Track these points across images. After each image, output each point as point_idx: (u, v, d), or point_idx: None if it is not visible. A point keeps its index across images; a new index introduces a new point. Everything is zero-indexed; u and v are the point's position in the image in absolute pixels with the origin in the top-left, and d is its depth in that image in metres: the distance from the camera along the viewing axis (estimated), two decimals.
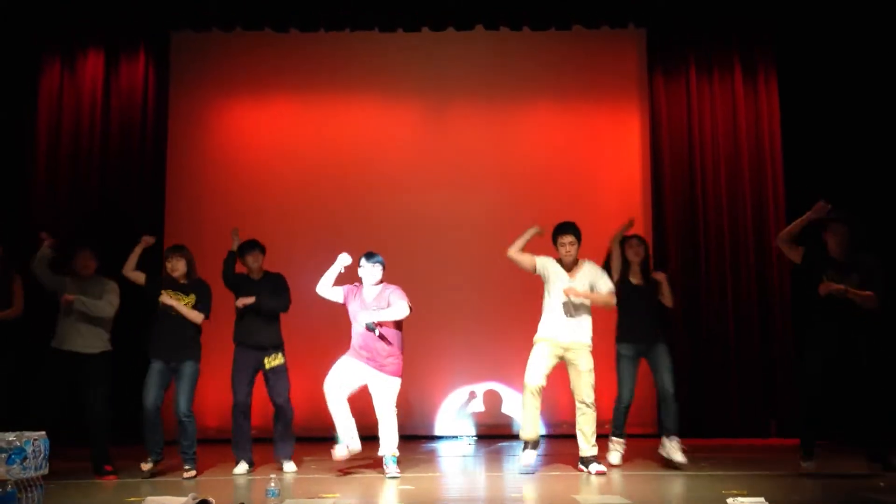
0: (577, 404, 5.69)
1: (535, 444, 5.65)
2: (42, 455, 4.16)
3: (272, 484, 4.52)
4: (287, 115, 8.85)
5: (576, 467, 5.80)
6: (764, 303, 8.30)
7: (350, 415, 5.69)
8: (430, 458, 6.88)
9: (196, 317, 5.80)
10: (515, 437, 8.07)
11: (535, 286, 6.04)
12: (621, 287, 5.93)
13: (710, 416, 7.95)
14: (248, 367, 5.93)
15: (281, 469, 5.91)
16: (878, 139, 7.84)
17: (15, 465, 4.00)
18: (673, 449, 5.76)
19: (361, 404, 5.85)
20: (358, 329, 5.73)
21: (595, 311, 5.86)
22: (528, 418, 5.65)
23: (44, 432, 4.22)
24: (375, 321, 5.63)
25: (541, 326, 5.76)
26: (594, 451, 5.67)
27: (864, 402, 5.39)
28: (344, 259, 5.84)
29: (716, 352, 8.19)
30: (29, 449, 4.07)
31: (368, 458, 5.88)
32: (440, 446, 7.79)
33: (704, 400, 7.94)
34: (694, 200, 8.47)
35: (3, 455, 3.98)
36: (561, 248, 5.78)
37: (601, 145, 8.80)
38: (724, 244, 8.39)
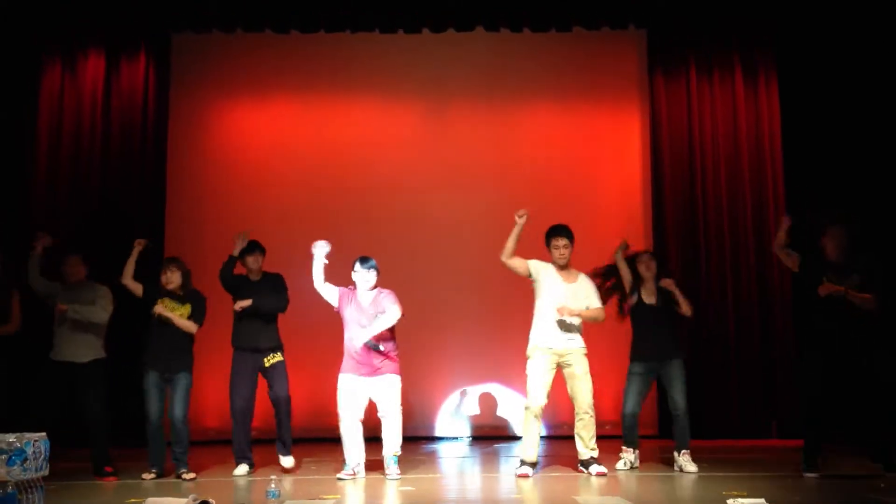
0: (577, 411, 5.65)
1: (533, 465, 5.63)
2: (42, 456, 4.16)
3: (272, 485, 4.52)
4: (287, 116, 8.85)
5: (576, 469, 5.79)
6: (764, 303, 8.30)
7: (362, 442, 5.68)
8: (431, 459, 6.89)
9: (190, 327, 5.80)
10: (512, 438, 8.10)
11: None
12: (635, 307, 5.89)
13: (710, 417, 7.94)
14: (247, 371, 5.91)
15: (279, 463, 5.91)
16: (879, 139, 7.84)
17: (15, 467, 4.00)
18: (686, 462, 5.71)
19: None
20: (352, 334, 5.68)
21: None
22: (530, 441, 5.60)
23: (44, 433, 4.22)
24: (372, 337, 5.59)
25: (534, 333, 5.70)
26: (594, 454, 5.66)
27: (865, 403, 5.38)
28: (319, 248, 5.68)
29: (716, 352, 8.20)
30: (29, 450, 4.07)
31: (368, 460, 5.86)
32: (440, 447, 7.79)
33: (705, 401, 7.92)
34: (694, 201, 8.48)
35: (4, 456, 3.98)
36: (555, 251, 5.72)
37: (601, 146, 8.80)
38: (725, 245, 8.39)
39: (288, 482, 5.52)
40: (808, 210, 5.65)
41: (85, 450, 5.81)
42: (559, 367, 5.67)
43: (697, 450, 5.89)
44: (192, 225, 8.40)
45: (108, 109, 8.45)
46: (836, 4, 8.02)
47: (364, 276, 5.75)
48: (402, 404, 5.75)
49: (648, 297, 5.91)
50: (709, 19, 8.62)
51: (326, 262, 5.73)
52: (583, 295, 5.73)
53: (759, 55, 8.63)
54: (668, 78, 8.67)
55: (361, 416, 5.69)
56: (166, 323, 5.74)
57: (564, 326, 5.64)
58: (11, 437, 4.05)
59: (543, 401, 5.59)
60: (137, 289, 5.90)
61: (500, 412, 8.41)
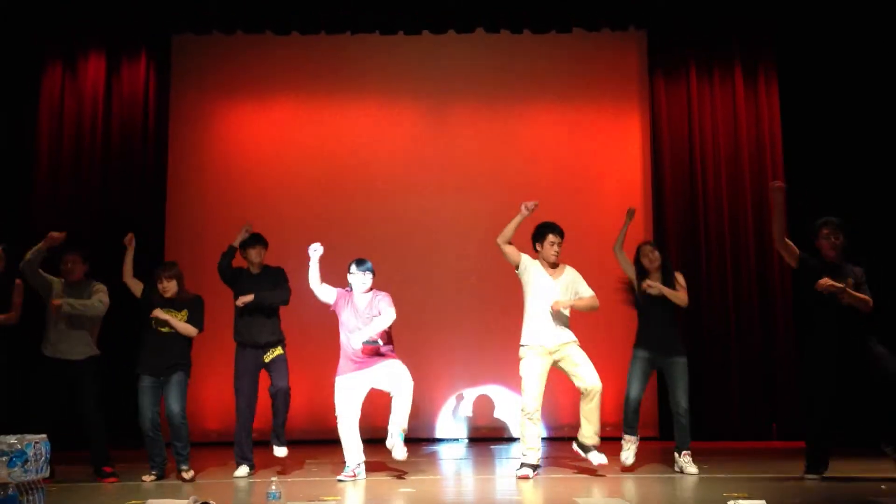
0: (584, 391, 5.55)
1: (534, 467, 5.62)
2: (43, 458, 4.16)
3: (273, 486, 4.51)
4: (287, 118, 8.86)
5: (576, 463, 5.75)
6: (765, 303, 8.31)
7: (360, 443, 5.66)
8: (431, 461, 6.89)
9: (190, 331, 5.77)
10: (512, 439, 8.10)
11: None
12: (640, 297, 5.88)
13: (710, 418, 7.95)
14: (249, 369, 5.91)
15: (277, 459, 5.90)
16: (879, 140, 7.85)
17: (16, 468, 4.00)
18: (686, 464, 5.71)
19: (363, 405, 5.82)
20: (349, 336, 5.67)
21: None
22: (530, 443, 5.58)
23: (45, 435, 4.22)
24: (370, 337, 5.59)
25: (525, 332, 5.70)
26: (596, 441, 5.61)
27: (872, 398, 5.35)
28: (315, 251, 5.67)
29: (716, 353, 8.20)
30: (30, 452, 4.07)
31: (368, 461, 5.86)
32: (440, 449, 7.79)
33: (705, 402, 7.93)
34: (694, 201, 8.49)
35: (5, 458, 3.98)
36: (550, 248, 5.70)
37: (602, 147, 8.81)
38: (725, 245, 8.40)
39: (288, 484, 5.51)
40: (802, 208, 5.61)
41: (85, 451, 5.81)
42: (554, 365, 5.65)
43: (698, 451, 5.89)
44: (192, 226, 8.41)
45: (109, 111, 8.46)
46: (836, 4, 8.03)
47: (360, 279, 5.75)
48: None
49: (653, 289, 5.88)
50: (709, 20, 8.63)
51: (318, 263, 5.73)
52: (571, 286, 5.73)
53: (760, 55, 8.64)
54: (669, 79, 8.68)
55: (358, 416, 5.69)
56: (164, 327, 5.71)
57: (554, 323, 5.63)
58: (12, 439, 4.05)
59: (539, 402, 5.58)
60: (137, 288, 5.90)
61: (500, 414, 8.41)
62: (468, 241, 8.39)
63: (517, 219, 5.69)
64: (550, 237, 5.71)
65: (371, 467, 5.86)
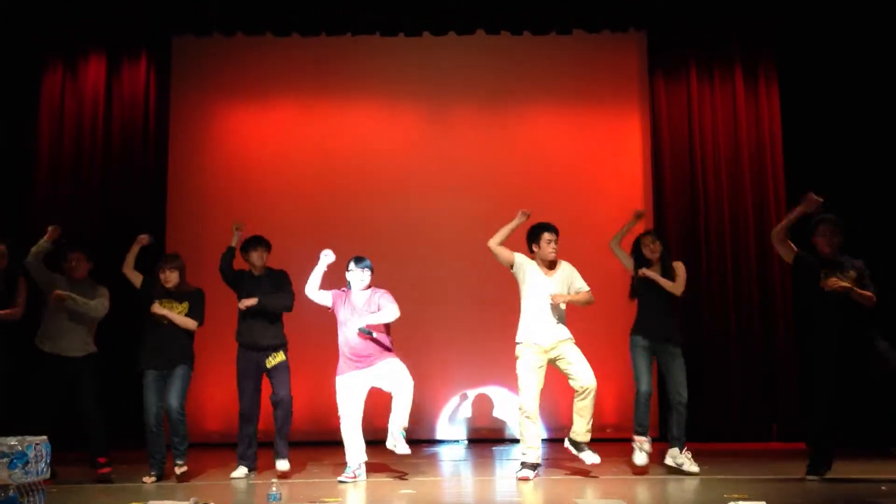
0: (580, 389, 5.53)
1: (534, 467, 5.62)
2: (44, 459, 4.16)
3: (273, 488, 4.52)
4: (288, 119, 8.86)
5: (573, 462, 5.75)
6: (765, 304, 8.31)
7: (363, 443, 5.67)
8: (432, 462, 6.89)
9: (190, 324, 5.79)
10: (512, 440, 8.11)
11: None
12: (641, 283, 5.87)
13: (710, 419, 7.95)
14: (251, 372, 5.90)
15: (274, 466, 5.88)
16: (879, 140, 7.86)
17: (17, 470, 4.01)
18: (688, 461, 5.68)
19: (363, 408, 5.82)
20: (347, 335, 5.69)
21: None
22: (532, 443, 5.58)
23: (45, 437, 4.23)
24: (368, 325, 5.60)
25: (521, 330, 5.70)
26: (588, 438, 5.59)
27: (876, 395, 5.35)
28: (327, 256, 5.74)
29: (716, 353, 8.20)
30: (31, 453, 4.07)
31: (369, 462, 5.86)
32: (440, 450, 7.79)
33: (705, 402, 7.93)
34: (695, 202, 8.49)
35: (5, 460, 3.98)
36: (546, 246, 5.71)
37: (602, 148, 8.81)
38: (725, 246, 8.41)
39: (289, 485, 5.51)
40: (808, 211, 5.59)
41: (85, 452, 5.80)
42: (550, 363, 5.65)
43: (698, 452, 5.88)
44: (192, 227, 8.41)
45: (109, 112, 8.46)
46: (836, 6, 8.04)
47: (359, 276, 5.76)
48: None
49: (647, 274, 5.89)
50: (709, 21, 8.63)
51: (325, 270, 5.75)
52: (567, 282, 5.73)
53: (760, 56, 8.64)
54: (669, 80, 8.68)
55: (360, 415, 5.69)
56: (163, 322, 5.73)
57: (550, 320, 5.63)
58: (13, 441, 4.05)
59: (537, 401, 5.59)
60: (136, 279, 5.90)
61: (500, 414, 8.41)
62: (468, 242, 8.36)
63: (512, 224, 5.72)
64: (546, 235, 5.72)
65: (372, 468, 5.86)
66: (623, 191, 8.71)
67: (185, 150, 8.65)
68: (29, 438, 4.12)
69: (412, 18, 8.53)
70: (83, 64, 8.46)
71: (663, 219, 8.48)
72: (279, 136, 8.79)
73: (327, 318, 5.91)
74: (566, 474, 5.85)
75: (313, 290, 5.75)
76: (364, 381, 5.68)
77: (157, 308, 5.72)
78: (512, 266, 5.78)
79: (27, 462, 4.05)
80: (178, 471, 5.65)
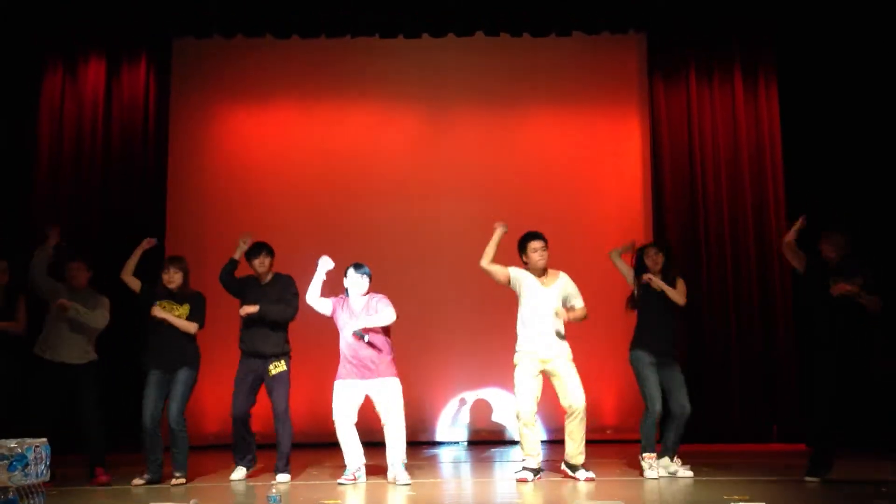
0: (569, 409, 5.54)
1: (535, 471, 5.61)
2: (43, 462, 4.16)
3: (273, 490, 4.51)
4: (287, 121, 8.87)
5: (560, 470, 5.74)
6: (765, 305, 8.31)
7: (360, 445, 5.66)
8: (432, 464, 6.88)
9: (190, 327, 5.78)
10: (511, 442, 8.11)
11: None
12: (644, 294, 5.86)
13: (711, 421, 7.94)
14: (249, 378, 5.86)
15: (274, 479, 5.82)
16: (879, 142, 7.86)
17: (16, 472, 4.00)
18: (681, 466, 5.67)
19: (363, 409, 5.82)
20: (347, 340, 5.69)
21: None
22: (531, 450, 5.57)
23: (45, 439, 4.23)
24: (363, 328, 5.59)
25: (519, 340, 5.69)
26: (582, 460, 5.60)
27: (876, 404, 5.36)
28: (325, 263, 5.73)
29: (717, 355, 8.20)
30: (30, 455, 4.07)
31: (368, 464, 5.85)
32: (440, 452, 7.79)
33: (705, 403, 7.93)
34: (694, 204, 8.49)
35: (5, 462, 3.98)
36: (533, 255, 5.68)
37: (602, 150, 8.82)
38: (725, 246, 8.41)
39: (289, 487, 5.51)
40: (807, 212, 5.61)
41: (85, 455, 5.81)
42: (545, 375, 5.65)
43: (698, 453, 5.89)
44: (192, 229, 8.41)
45: (109, 114, 8.46)
46: (836, 7, 8.04)
47: (358, 282, 5.75)
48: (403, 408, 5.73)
49: (653, 282, 5.86)
50: (708, 23, 8.64)
51: (325, 278, 5.73)
52: (563, 294, 5.71)
53: (759, 58, 8.65)
54: (668, 81, 8.69)
55: (355, 419, 5.68)
56: (164, 324, 5.73)
57: (548, 332, 5.62)
58: (13, 443, 4.05)
59: (534, 408, 5.58)
60: (136, 285, 5.89)
61: (499, 417, 8.41)
62: (468, 245, 8.29)
63: (494, 239, 5.70)
64: (532, 244, 5.70)
65: (371, 470, 5.85)
66: (622, 192, 8.71)
67: (185, 152, 8.65)
68: (29, 441, 4.11)
69: (412, 20, 8.53)
70: (83, 66, 8.47)
71: (663, 220, 8.48)
72: (279, 138, 8.80)
73: (329, 321, 5.91)
74: (566, 476, 5.84)
75: (314, 298, 5.74)
76: (361, 389, 5.68)
77: (157, 311, 5.71)
78: (509, 282, 5.75)
79: (27, 464, 4.04)
80: (174, 481, 5.63)
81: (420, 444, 8.00)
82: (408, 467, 5.62)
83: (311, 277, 5.76)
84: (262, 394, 5.97)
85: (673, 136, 8.61)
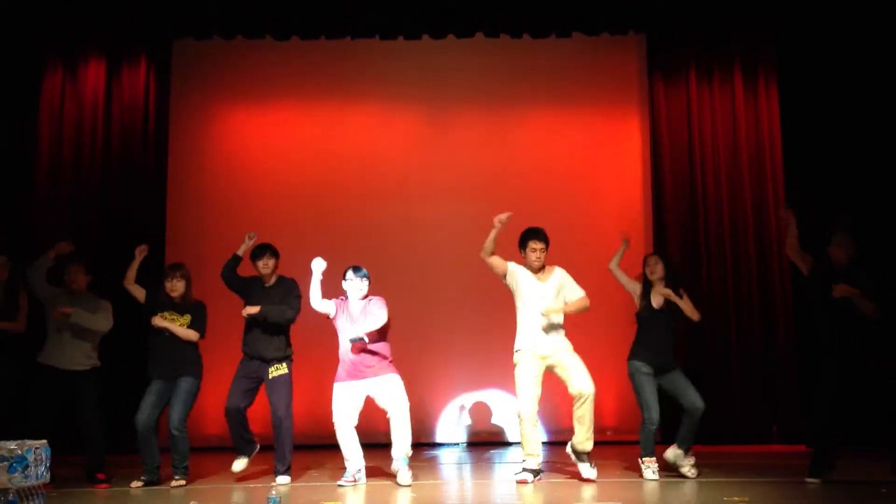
0: (578, 395, 5.48)
1: (535, 473, 5.60)
2: (43, 464, 4.16)
3: (273, 492, 4.51)
4: (287, 123, 8.87)
5: (574, 470, 5.74)
6: (765, 306, 8.31)
7: (359, 447, 5.66)
8: (432, 466, 6.88)
9: (191, 335, 5.78)
10: (511, 443, 8.10)
11: None
12: (643, 309, 5.85)
13: (711, 422, 7.88)
14: (246, 376, 5.85)
15: (275, 482, 5.79)
16: (879, 142, 7.86)
17: (17, 474, 4.01)
18: (688, 466, 5.67)
19: (363, 411, 5.81)
20: (346, 345, 5.68)
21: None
22: (532, 449, 5.55)
23: (45, 441, 4.23)
24: (359, 335, 5.58)
25: (518, 338, 5.68)
26: (590, 447, 5.56)
27: (878, 407, 5.36)
28: (319, 265, 5.69)
29: (717, 357, 8.20)
30: (30, 457, 4.08)
31: (368, 466, 5.85)
32: (440, 453, 7.79)
33: (705, 404, 7.92)
34: (694, 204, 8.50)
35: (5, 463, 3.98)
36: (531, 254, 5.69)
37: (602, 151, 8.82)
38: (725, 247, 8.41)
39: (289, 489, 5.51)
40: (811, 213, 5.61)
41: (84, 457, 5.81)
42: (548, 370, 5.63)
43: (698, 454, 5.87)
44: (192, 231, 8.42)
45: (109, 116, 8.47)
46: (836, 9, 8.04)
47: (357, 285, 5.75)
48: None
49: (657, 300, 5.85)
50: (708, 23, 8.64)
51: (322, 278, 5.72)
52: (559, 290, 5.70)
53: (759, 58, 8.65)
54: (668, 82, 8.69)
55: (356, 422, 5.68)
56: (167, 333, 5.73)
57: (547, 328, 5.61)
58: (13, 445, 4.06)
59: (535, 407, 5.56)
60: (140, 293, 5.89)
61: (499, 418, 8.40)
62: (468, 246, 8.29)
63: (493, 233, 5.67)
64: (531, 244, 5.69)
65: (371, 472, 5.85)
66: (622, 193, 8.72)
67: (185, 152, 8.66)
68: (29, 442, 4.12)
69: (411, 21, 8.53)
70: (83, 66, 8.47)
71: (663, 220, 8.49)
72: (279, 139, 8.80)
73: (327, 323, 5.91)
74: (566, 477, 5.84)
75: (316, 301, 5.72)
76: (361, 390, 5.68)
77: (158, 321, 5.71)
78: (505, 277, 5.76)
79: (27, 466, 4.05)
80: (173, 484, 5.63)
81: (420, 445, 7.99)
82: (409, 469, 5.60)
83: (310, 290, 5.74)
84: (263, 396, 5.95)
85: (673, 137, 8.62)
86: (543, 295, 5.64)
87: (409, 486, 5.48)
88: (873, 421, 5.46)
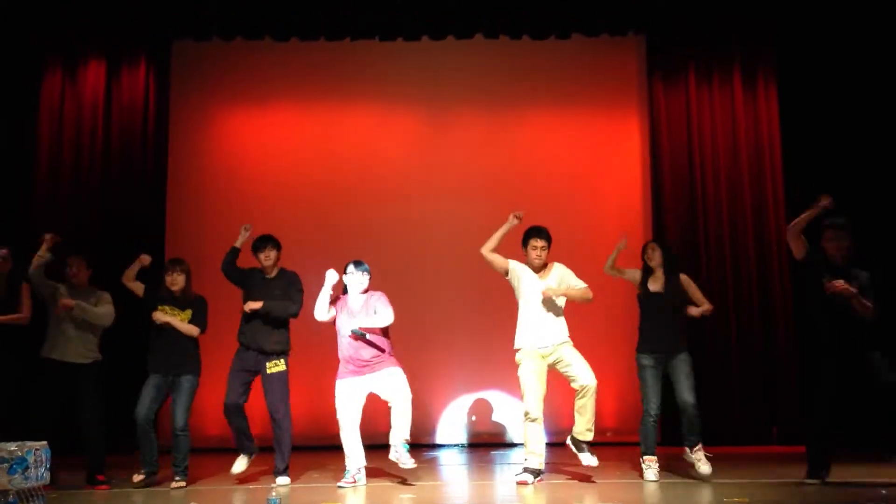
0: (580, 389, 5.48)
1: (537, 473, 5.61)
2: (43, 465, 4.17)
3: (273, 493, 4.51)
4: (287, 124, 8.88)
5: (562, 471, 5.73)
6: (765, 306, 8.32)
7: (361, 447, 5.65)
8: (431, 467, 6.88)
9: (192, 330, 5.78)
10: (511, 444, 8.10)
11: None
12: (642, 296, 5.85)
13: (711, 423, 7.85)
14: (244, 369, 5.81)
15: (275, 483, 5.78)
16: (879, 143, 7.86)
17: (17, 475, 4.01)
18: (699, 461, 5.62)
19: (364, 411, 5.81)
20: (346, 340, 5.68)
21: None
22: (534, 448, 5.55)
23: (45, 442, 4.24)
24: (361, 327, 5.59)
25: (518, 336, 5.69)
26: (590, 437, 5.55)
27: (874, 406, 5.36)
28: (332, 277, 5.68)
29: (717, 358, 8.20)
30: (30, 459, 4.08)
31: (368, 467, 5.85)
32: (440, 454, 7.79)
33: (705, 405, 7.85)
34: (694, 205, 8.50)
35: (5, 465, 3.99)
36: (532, 252, 5.70)
37: (601, 152, 8.83)
38: (725, 248, 8.42)
39: (289, 490, 5.51)
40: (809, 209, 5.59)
41: (84, 457, 5.80)
42: (550, 367, 5.63)
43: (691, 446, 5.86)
44: (192, 231, 8.42)
45: (109, 117, 8.47)
46: (835, 7, 8.05)
47: (358, 279, 5.76)
48: None
49: (654, 286, 5.83)
50: (707, 25, 8.66)
51: (332, 293, 5.71)
52: (560, 283, 5.70)
53: (758, 59, 8.67)
54: (668, 83, 8.70)
55: (359, 419, 5.68)
56: (165, 328, 5.73)
57: (547, 324, 5.62)
58: (13, 446, 4.06)
59: (541, 405, 5.57)
60: (138, 288, 5.88)
61: (499, 419, 8.41)
62: (468, 247, 8.30)
63: (504, 228, 5.69)
64: (532, 242, 5.70)
65: (371, 473, 5.85)
66: (622, 193, 8.73)
67: (185, 153, 8.67)
68: (29, 444, 4.12)
69: (411, 22, 8.54)
70: (83, 68, 8.48)
71: (662, 221, 8.50)
72: (278, 140, 8.80)
73: (328, 325, 5.90)
74: (566, 479, 5.84)
75: (322, 313, 5.71)
76: (363, 386, 5.67)
77: (159, 315, 5.71)
78: (506, 273, 5.77)
79: (27, 467, 4.05)
80: (174, 485, 5.63)
81: (420, 446, 8.00)
82: (408, 470, 5.60)
83: (312, 279, 5.75)
84: (259, 395, 5.92)
85: (672, 138, 8.62)
86: (544, 291, 5.65)
87: (413, 468, 5.48)
88: (873, 421, 5.47)
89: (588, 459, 5.55)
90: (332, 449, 6.01)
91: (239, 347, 5.90)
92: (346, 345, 5.70)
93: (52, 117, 8.35)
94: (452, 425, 8.42)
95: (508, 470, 6.40)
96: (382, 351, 5.68)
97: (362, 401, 5.70)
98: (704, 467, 5.58)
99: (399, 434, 5.54)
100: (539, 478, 5.59)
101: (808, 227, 5.44)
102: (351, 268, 5.79)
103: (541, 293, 5.62)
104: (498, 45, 8.76)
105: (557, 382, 5.82)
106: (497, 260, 5.74)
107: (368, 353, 5.64)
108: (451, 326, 8.46)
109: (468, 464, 7.11)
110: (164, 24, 8.52)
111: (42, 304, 5.87)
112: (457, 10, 8.48)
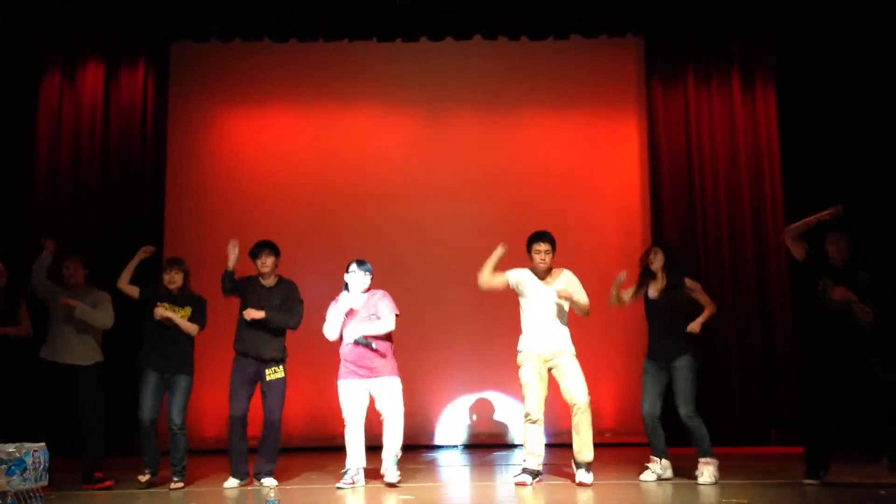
0: (573, 407, 5.52)
1: (535, 474, 5.60)
2: (42, 466, 4.17)
3: (271, 494, 4.51)
4: (286, 125, 8.87)
5: (573, 472, 5.73)
6: (764, 307, 8.31)
7: (363, 448, 5.67)
8: (430, 468, 6.88)
9: (192, 328, 5.78)
10: (510, 446, 8.10)
11: None
12: (644, 303, 5.84)
13: (710, 424, 7.85)
14: (247, 379, 5.81)
15: (259, 484, 5.76)
16: (877, 144, 7.86)
17: (15, 477, 4.01)
18: (700, 475, 5.57)
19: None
20: (347, 341, 5.70)
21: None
22: (533, 449, 5.56)
23: (43, 444, 4.23)
24: (365, 336, 5.60)
25: (522, 339, 5.69)
26: (588, 457, 5.56)
27: (875, 409, 5.37)
28: (346, 301, 5.72)
29: (716, 359, 8.18)
30: (29, 460, 4.08)
31: (368, 468, 5.85)
32: (439, 455, 7.78)
33: (705, 405, 7.86)
34: (692, 207, 8.50)
35: (4, 466, 3.99)
36: (535, 256, 5.69)
37: (600, 154, 8.82)
38: (723, 249, 8.42)
39: (287, 491, 5.50)
40: (810, 213, 5.59)
41: (83, 457, 5.79)
42: (550, 371, 5.64)
43: (696, 456, 5.87)
44: (191, 232, 8.41)
45: (108, 118, 8.47)
46: (835, 8, 8.05)
47: (360, 278, 5.77)
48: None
49: (653, 292, 5.83)
50: (706, 26, 8.65)
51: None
52: (567, 289, 5.70)
53: (757, 61, 8.66)
54: (666, 84, 8.70)
55: (363, 418, 5.69)
56: (168, 325, 5.72)
57: (551, 331, 5.62)
58: (11, 448, 4.06)
59: (541, 407, 5.58)
60: (133, 292, 5.88)
61: (499, 420, 8.40)
62: (467, 247, 8.34)
63: (493, 258, 5.67)
64: (535, 246, 5.70)
65: (371, 474, 5.85)
66: (621, 194, 8.72)
67: (184, 155, 8.66)
68: (27, 445, 4.12)
69: (410, 23, 8.54)
70: (81, 68, 8.48)
71: (661, 222, 8.49)
72: (277, 141, 8.80)
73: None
74: (564, 480, 5.83)
75: (333, 333, 5.75)
76: (364, 387, 5.69)
77: (160, 311, 5.71)
78: (509, 286, 5.76)
79: (25, 469, 4.05)
80: (173, 486, 5.64)
81: (419, 447, 8.00)
82: (407, 471, 5.62)
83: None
84: (256, 400, 5.89)
85: (671, 139, 8.62)
86: (549, 297, 5.65)
87: (396, 483, 5.53)
88: (872, 421, 5.47)
89: (583, 476, 5.52)
90: (331, 450, 6.02)
91: (237, 356, 5.87)
92: (348, 350, 5.71)
93: (51, 118, 8.35)
94: (452, 426, 8.41)
95: (507, 471, 6.39)
96: (384, 356, 5.69)
97: (366, 400, 5.72)
98: (702, 478, 5.52)
99: (391, 450, 5.62)
100: (537, 479, 5.59)
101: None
102: (353, 267, 5.81)
103: (548, 298, 5.61)
104: (497, 46, 8.76)
105: (556, 384, 5.82)
106: (495, 281, 5.73)
107: (371, 356, 5.66)
108: (451, 326, 8.46)
109: (467, 465, 7.11)
110: (163, 26, 8.52)
111: (42, 305, 5.87)
112: (455, 11, 8.48)
